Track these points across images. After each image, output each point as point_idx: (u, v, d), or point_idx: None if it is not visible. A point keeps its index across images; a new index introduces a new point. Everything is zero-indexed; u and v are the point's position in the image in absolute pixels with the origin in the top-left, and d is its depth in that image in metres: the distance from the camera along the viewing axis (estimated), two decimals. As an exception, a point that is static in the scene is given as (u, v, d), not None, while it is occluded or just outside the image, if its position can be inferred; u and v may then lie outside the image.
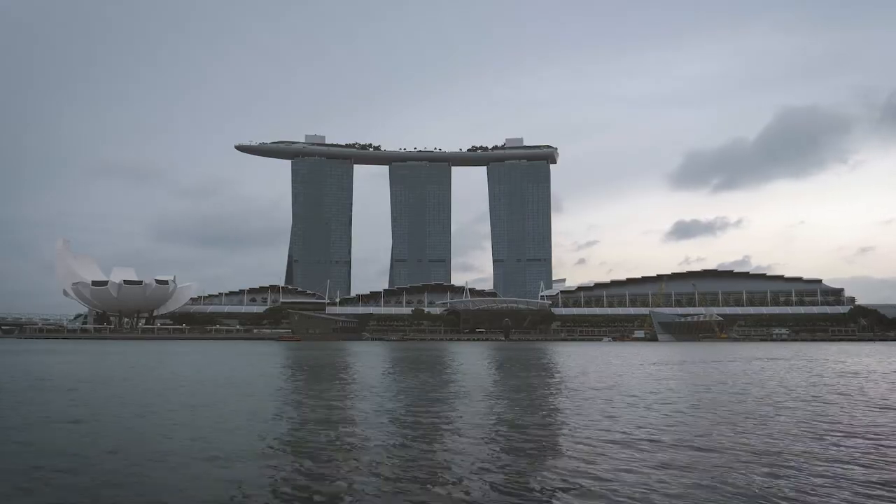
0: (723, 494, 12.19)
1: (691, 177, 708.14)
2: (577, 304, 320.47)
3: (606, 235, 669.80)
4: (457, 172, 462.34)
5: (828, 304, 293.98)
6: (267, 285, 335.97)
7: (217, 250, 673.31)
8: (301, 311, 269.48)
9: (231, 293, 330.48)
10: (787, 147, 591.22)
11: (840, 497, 12.18)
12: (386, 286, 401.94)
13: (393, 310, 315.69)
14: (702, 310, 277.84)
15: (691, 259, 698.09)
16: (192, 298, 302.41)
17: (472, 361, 69.55)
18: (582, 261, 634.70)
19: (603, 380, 41.53)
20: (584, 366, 59.96)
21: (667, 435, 18.95)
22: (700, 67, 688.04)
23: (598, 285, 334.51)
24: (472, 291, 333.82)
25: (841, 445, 17.55)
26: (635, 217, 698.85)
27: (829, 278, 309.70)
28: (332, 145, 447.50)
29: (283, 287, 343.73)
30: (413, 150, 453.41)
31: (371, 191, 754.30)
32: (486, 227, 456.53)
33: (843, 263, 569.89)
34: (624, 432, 19.37)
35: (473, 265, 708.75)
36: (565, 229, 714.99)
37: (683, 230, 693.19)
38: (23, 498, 12.19)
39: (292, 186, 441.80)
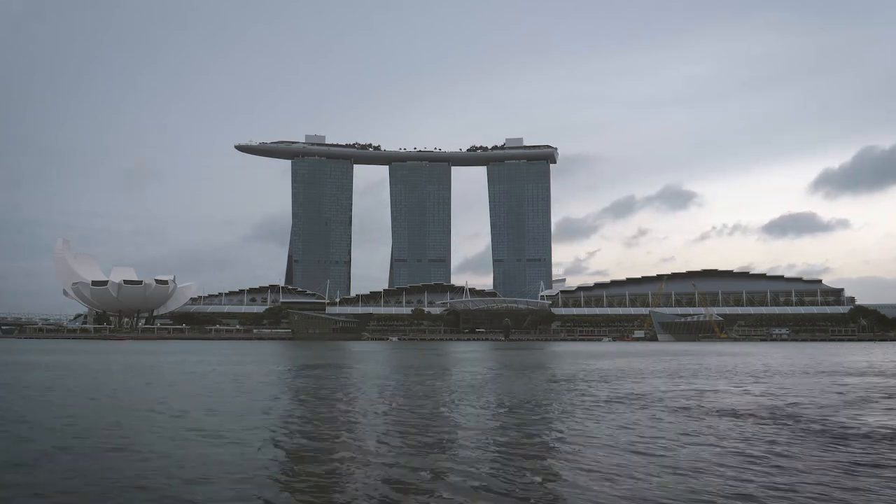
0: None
1: (835, 175, 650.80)
2: (577, 304, 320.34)
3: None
4: (457, 172, 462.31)
5: (828, 304, 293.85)
6: (267, 285, 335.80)
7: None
8: (301, 311, 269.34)
9: (231, 293, 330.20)
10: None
11: None
12: (386, 286, 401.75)
13: (393, 310, 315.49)
14: (702, 310, 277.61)
15: (769, 258, 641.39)
16: (192, 298, 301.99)
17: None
18: (670, 258, 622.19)
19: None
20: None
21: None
22: (701, 67, 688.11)
23: (598, 285, 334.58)
24: (472, 291, 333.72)
25: None
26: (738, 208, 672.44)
27: (834, 279, 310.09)
28: (332, 145, 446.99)
29: (283, 287, 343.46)
30: (413, 150, 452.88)
31: (371, 191, 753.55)
32: (486, 227, 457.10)
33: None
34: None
35: (473, 265, 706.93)
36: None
37: (784, 227, 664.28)
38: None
39: (292, 186, 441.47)
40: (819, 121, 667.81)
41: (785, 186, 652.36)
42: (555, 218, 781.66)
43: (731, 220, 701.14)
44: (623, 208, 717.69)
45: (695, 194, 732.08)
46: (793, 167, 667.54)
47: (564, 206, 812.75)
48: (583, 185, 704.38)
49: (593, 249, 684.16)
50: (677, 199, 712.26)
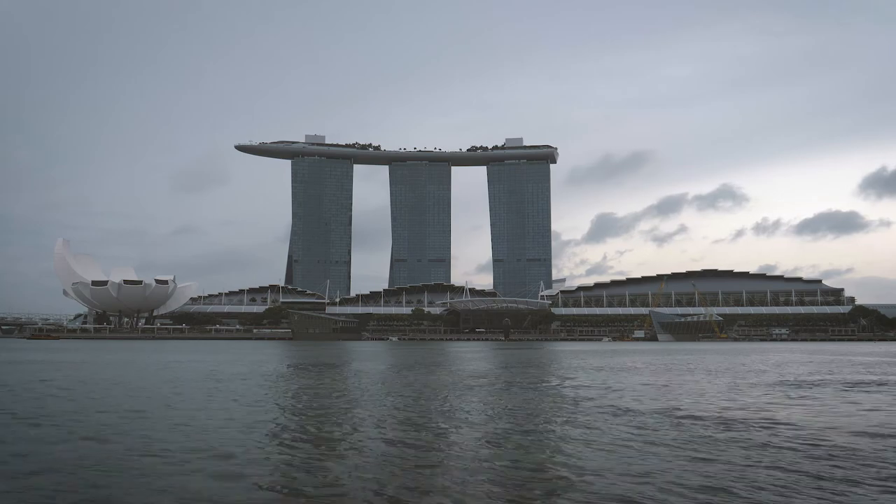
0: None
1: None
2: (576, 303, 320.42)
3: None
4: (457, 172, 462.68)
5: (828, 304, 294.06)
6: (267, 285, 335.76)
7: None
8: (301, 311, 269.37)
9: (231, 293, 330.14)
10: None
11: None
12: (386, 286, 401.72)
13: (393, 310, 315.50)
14: (702, 310, 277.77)
15: (799, 258, 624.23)
16: (191, 298, 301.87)
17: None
18: (700, 258, 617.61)
19: None
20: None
21: None
22: (700, 67, 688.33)
23: (598, 285, 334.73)
24: (472, 291, 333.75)
25: None
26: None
27: (837, 280, 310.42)
28: (331, 145, 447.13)
29: (283, 287, 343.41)
30: (413, 149, 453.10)
31: (371, 191, 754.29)
32: (487, 228, 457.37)
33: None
34: None
35: (473, 265, 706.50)
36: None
37: (816, 226, 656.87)
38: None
39: (292, 186, 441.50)
40: (870, 120, 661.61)
41: (832, 184, 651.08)
42: (592, 215, 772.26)
43: (772, 216, 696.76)
44: (669, 206, 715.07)
45: (745, 195, 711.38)
46: (842, 165, 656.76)
47: (605, 203, 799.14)
48: (629, 184, 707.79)
49: (623, 249, 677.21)
50: (727, 197, 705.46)
